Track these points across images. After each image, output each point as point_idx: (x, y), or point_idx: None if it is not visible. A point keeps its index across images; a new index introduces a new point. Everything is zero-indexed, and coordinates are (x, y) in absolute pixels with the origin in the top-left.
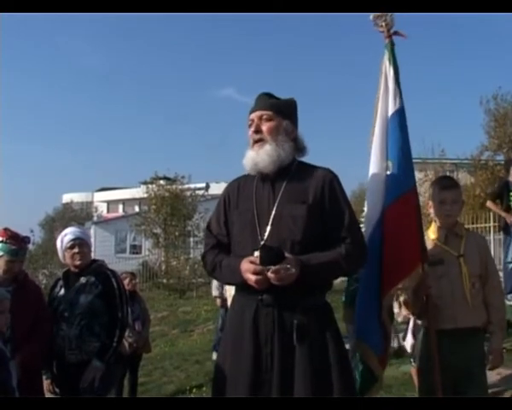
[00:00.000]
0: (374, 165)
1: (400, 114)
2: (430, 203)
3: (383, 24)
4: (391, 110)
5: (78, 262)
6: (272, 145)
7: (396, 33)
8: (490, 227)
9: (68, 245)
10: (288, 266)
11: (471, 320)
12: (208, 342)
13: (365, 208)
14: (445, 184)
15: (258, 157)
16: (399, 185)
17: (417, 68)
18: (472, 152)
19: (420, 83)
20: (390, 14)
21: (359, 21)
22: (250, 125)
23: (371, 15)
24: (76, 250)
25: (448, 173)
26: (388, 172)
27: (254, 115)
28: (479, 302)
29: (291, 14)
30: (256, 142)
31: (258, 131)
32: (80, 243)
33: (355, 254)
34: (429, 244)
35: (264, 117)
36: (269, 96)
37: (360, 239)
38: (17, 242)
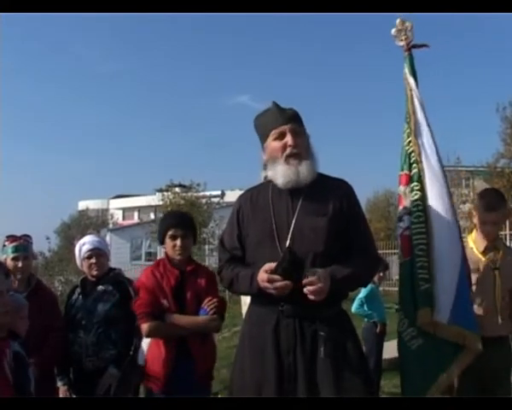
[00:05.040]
0: (435, 166)
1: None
2: (474, 213)
3: (403, 38)
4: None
5: (94, 272)
6: (309, 161)
7: (414, 46)
8: (506, 235)
9: (86, 255)
10: (320, 277)
11: (498, 330)
12: (223, 349)
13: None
14: (489, 205)
15: (299, 173)
16: None
17: (432, 75)
18: (488, 159)
19: (435, 90)
20: (410, 27)
21: (373, 24)
22: (277, 138)
23: (393, 30)
24: (93, 261)
25: (464, 181)
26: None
27: (287, 128)
28: (506, 315)
29: (307, 21)
30: (291, 156)
31: (295, 145)
32: (98, 254)
33: (370, 265)
34: (467, 251)
35: (297, 131)
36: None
37: (374, 250)
38: (15, 239)
